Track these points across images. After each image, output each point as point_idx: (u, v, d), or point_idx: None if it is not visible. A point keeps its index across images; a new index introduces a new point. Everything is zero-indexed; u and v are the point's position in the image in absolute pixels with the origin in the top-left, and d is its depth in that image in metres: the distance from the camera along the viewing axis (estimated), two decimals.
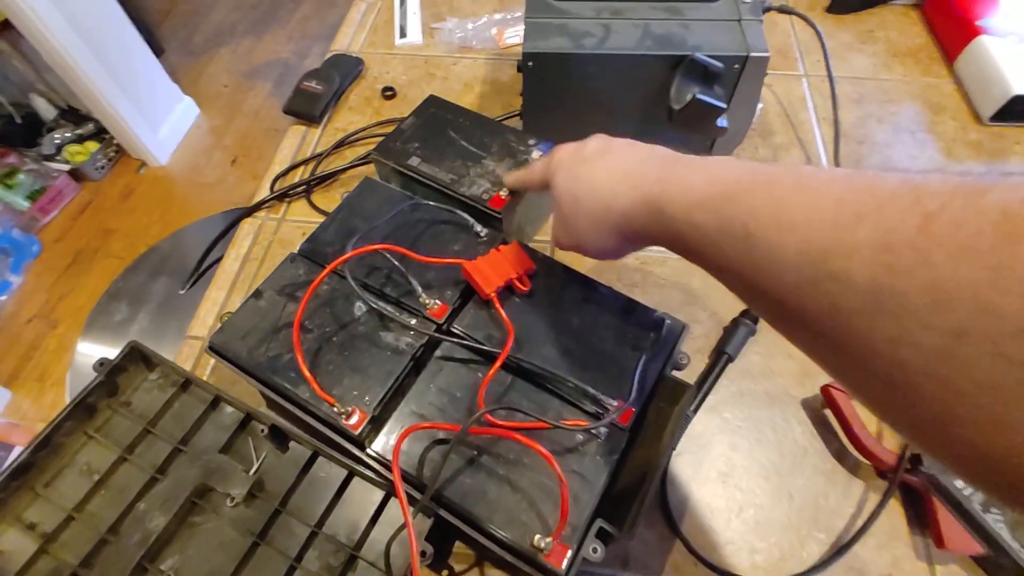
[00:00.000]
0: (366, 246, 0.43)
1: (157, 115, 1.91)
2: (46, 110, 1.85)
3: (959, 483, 0.42)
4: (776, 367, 0.51)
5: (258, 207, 0.63)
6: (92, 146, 1.85)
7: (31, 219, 1.74)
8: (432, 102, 0.58)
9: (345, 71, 0.74)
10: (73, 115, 1.88)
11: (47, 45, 1.53)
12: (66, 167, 1.81)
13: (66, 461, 0.47)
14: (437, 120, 0.56)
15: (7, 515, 0.44)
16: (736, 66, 0.54)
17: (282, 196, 0.63)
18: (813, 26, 0.65)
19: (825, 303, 0.20)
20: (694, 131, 0.55)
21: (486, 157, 0.53)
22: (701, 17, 0.57)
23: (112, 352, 0.48)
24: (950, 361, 0.16)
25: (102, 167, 1.88)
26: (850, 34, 0.78)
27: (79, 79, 1.62)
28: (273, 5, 2.49)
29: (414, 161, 0.53)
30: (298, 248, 0.48)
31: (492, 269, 0.43)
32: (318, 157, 0.67)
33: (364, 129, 0.69)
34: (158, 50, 2.24)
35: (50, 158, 1.81)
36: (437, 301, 0.43)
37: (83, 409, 0.48)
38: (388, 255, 0.43)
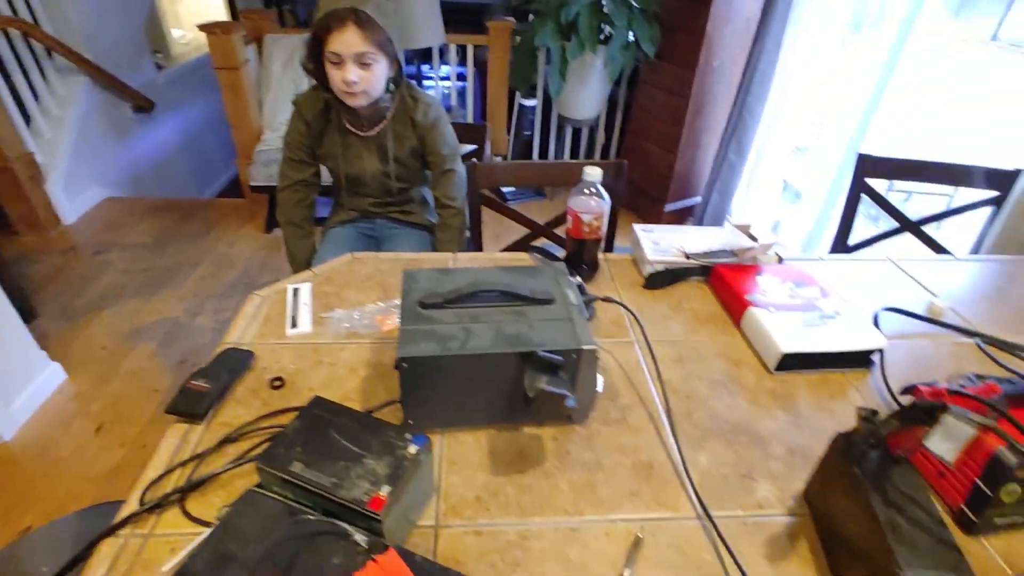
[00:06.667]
0: None
1: (12, 387, 1.77)
2: None
3: None
4: None
5: (122, 524, 0.60)
6: None
7: None
8: (317, 403, 0.64)
9: (233, 366, 0.79)
10: None
11: None
12: None
13: None
14: (320, 421, 0.61)
15: None
16: (573, 356, 0.67)
17: (153, 508, 0.61)
18: (629, 310, 0.83)
19: None
20: (550, 414, 0.65)
21: (366, 456, 0.58)
22: (541, 317, 0.72)
23: None
24: None
25: None
26: (665, 305, 1.00)
27: None
28: (168, 269, 2.60)
29: (296, 467, 0.56)
30: None
31: None
32: (198, 458, 0.67)
33: (248, 423, 0.72)
34: (31, 316, 2.18)
35: None
36: None
37: None
38: None
